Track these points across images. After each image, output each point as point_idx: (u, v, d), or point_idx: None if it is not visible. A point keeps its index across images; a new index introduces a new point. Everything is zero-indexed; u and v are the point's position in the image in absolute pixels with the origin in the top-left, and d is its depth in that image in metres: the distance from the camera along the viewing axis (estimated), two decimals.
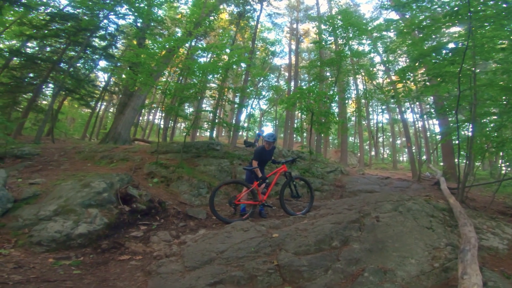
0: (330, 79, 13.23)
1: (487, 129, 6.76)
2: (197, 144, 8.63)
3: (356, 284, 2.51)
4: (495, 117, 6.71)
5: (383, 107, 26.91)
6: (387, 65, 15.98)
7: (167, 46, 7.63)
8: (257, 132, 13.40)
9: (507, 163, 7.49)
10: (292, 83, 24.53)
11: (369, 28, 11.33)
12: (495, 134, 6.34)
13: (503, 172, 9.20)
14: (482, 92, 5.86)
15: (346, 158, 18.00)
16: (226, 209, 5.44)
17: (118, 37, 14.32)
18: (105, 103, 25.03)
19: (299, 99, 9.47)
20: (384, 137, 35.55)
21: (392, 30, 6.96)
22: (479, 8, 4.94)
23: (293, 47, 26.27)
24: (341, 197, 7.17)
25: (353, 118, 25.59)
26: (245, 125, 26.38)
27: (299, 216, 4.55)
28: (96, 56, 13.78)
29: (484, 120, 6.91)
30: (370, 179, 9.22)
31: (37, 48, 14.17)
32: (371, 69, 16.65)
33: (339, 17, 10.68)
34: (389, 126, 30.99)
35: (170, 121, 19.06)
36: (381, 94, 17.16)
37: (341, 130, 15.85)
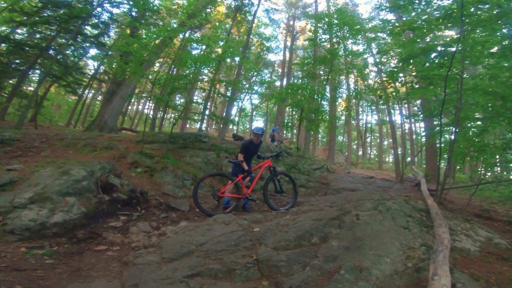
0: (322, 77, 13.27)
1: (470, 133, 6.91)
2: (185, 135, 8.53)
3: (332, 281, 2.54)
4: (479, 122, 6.86)
5: (373, 107, 27.28)
6: (379, 66, 16.15)
7: (161, 37, 7.48)
8: (273, 127, 13.34)
9: (487, 168, 7.72)
10: (285, 80, 24.52)
11: (365, 28, 11.40)
12: (477, 140, 6.50)
13: (483, 176, 9.54)
14: (467, 97, 5.96)
15: (333, 156, 18.21)
16: (210, 202, 5.41)
17: (112, 25, 13.98)
18: (93, 91, 24.44)
19: (289, 95, 9.47)
20: (372, 137, 36.12)
21: (387, 31, 6.97)
22: (471, 10, 4.93)
23: (288, 43, 26.20)
24: (326, 194, 7.25)
25: (342, 117, 25.86)
26: (236, 119, 26.24)
27: (282, 211, 4.59)
28: (87, 44, 13.46)
29: (469, 124, 7.05)
30: (355, 178, 9.37)
31: (26, 35, 13.71)
32: (363, 69, 16.79)
33: (335, 16, 10.69)
34: (378, 127, 31.48)
35: (160, 111, 18.79)
36: (370, 94, 17.36)
37: (330, 129, 15.99)
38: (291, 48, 25.55)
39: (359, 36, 11.49)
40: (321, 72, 13.79)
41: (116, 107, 11.40)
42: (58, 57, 11.44)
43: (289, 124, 13.79)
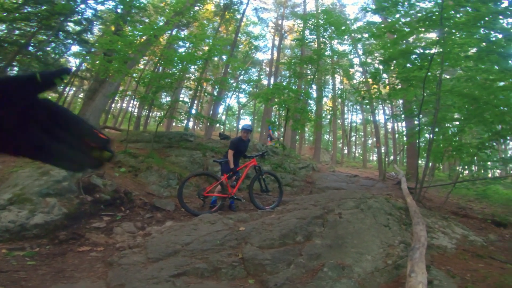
0: (309, 76, 13.44)
1: (449, 133, 7.17)
2: (170, 134, 8.45)
3: (316, 278, 2.59)
4: (457, 122, 7.13)
5: (357, 107, 27.85)
6: (364, 66, 16.49)
7: (146, 35, 7.36)
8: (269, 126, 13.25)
9: (463, 167, 8.07)
10: (272, 79, 24.64)
11: (351, 29, 11.61)
12: (457, 138, 6.75)
13: (460, 175, 9.94)
14: (446, 98, 6.18)
15: (319, 155, 18.47)
16: (196, 201, 5.40)
17: (95, 22, 13.61)
18: (74, 88, 23.67)
19: (275, 94, 9.55)
20: (357, 136, 36.88)
21: (369, 33, 7.09)
22: (451, 13, 5.04)
23: (277, 42, 26.30)
24: (311, 193, 7.38)
25: (328, 117, 26.27)
26: (223, 117, 26.14)
27: (268, 210, 4.64)
28: (69, 41, 13.02)
29: (448, 124, 7.31)
30: (339, 176, 9.57)
31: (6, 31, 13.15)
32: (349, 69, 17.11)
33: (321, 16, 10.85)
34: (362, 126, 32.17)
35: (145, 110, 18.45)
36: (355, 94, 17.73)
37: (316, 128, 16.22)
38: (279, 47, 25.67)
39: (345, 37, 11.74)
40: (308, 72, 13.97)
41: (99, 105, 11.09)
42: (38, 54, 11.05)
43: (276, 123, 13.87)
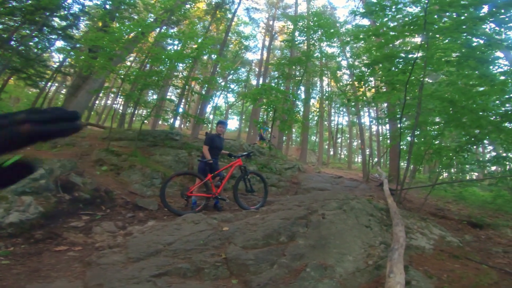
0: (297, 78, 13.56)
1: (430, 136, 7.39)
2: (155, 132, 8.31)
3: (299, 279, 2.59)
4: (437, 126, 7.35)
5: (344, 109, 28.31)
6: (352, 69, 16.76)
7: (134, 32, 7.22)
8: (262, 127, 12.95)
9: (442, 169, 8.34)
10: (261, 79, 24.67)
11: (339, 31, 11.78)
12: (437, 142, 6.96)
13: (441, 177, 10.28)
14: (427, 102, 6.36)
15: (305, 156, 18.63)
16: (181, 201, 5.33)
17: (82, 18, 13.26)
18: (56, 84, 22.91)
19: (263, 95, 9.58)
20: (343, 138, 37.50)
21: (353, 36, 7.19)
22: (435, 17, 5.15)
23: (267, 43, 26.38)
24: (296, 193, 7.43)
25: (316, 118, 26.59)
26: (211, 117, 25.94)
27: (252, 210, 4.64)
28: (53, 36, 12.63)
29: (428, 128, 7.52)
30: (324, 177, 9.69)
31: None
32: (337, 72, 17.37)
33: (311, 18, 10.98)
34: (348, 128, 32.74)
35: (130, 107, 18.07)
36: (341, 97, 18.02)
37: (303, 129, 16.37)
38: (269, 48, 25.75)
39: (334, 39, 11.92)
40: (297, 73, 14.09)
41: (82, 102, 10.78)
42: (20, 48, 10.68)
43: (265, 121, 13.90)
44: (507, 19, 4.73)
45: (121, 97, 17.46)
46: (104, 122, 23.78)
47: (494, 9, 4.68)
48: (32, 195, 3.61)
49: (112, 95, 26.62)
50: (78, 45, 14.30)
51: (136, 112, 23.19)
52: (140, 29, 6.96)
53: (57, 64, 19.37)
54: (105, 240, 3.41)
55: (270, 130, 11.45)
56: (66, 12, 11.57)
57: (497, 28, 5.28)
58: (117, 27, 7.92)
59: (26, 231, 3.25)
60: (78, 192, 4.09)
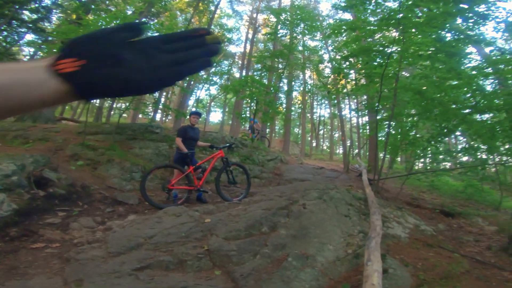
0: (279, 70, 13.58)
1: (405, 127, 7.67)
2: (134, 126, 8.08)
3: (281, 268, 2.64)
4: (412, 118, 7.64)
5: (326, 101, 28.74)
6: (333, 62, 16.98)
7: (111, 24, 6.91)
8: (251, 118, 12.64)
9: (416, 159, 8.69)
10: (244, 72, 24.48)
11: (321, 25, 11.83)
12: (412, 133, 7.23)
13: (416, 167, 10.71)
14: (403, 95, 6.58)
15: (288, 148, 18.85)
16: (162, 194, 5.27)
17: (55, 10, 12.53)
18: None
19: (244, 87, 9.54)
20: (325, 130, 38.17)
21: (342, 29, 7.25)
22: (409, 12, 5.28)
23: (250, 36, 26.09)
24: (278, 184, 7.53)
25: (298, 110, 26.83)
26: (193, 109, 25.47)
27: (235, 202, 4.66)
28: (23, 30, 11.90)
29: (405, 119, 7.80)
30: (306, 168, 9.87)
31: None
32: (319, 65, 17.53)
33: (294, 11, 10.96)
34: (330, 120, 33.31)
35: (107, 101, 17.41)
36: (323, 89, 18.28)
37: (285, 121, 16.50)
38: (252, 40, 25.50)
39: (317, 33, 11.98)
40: (280, 66, 14.10)
41: None
42: None
43: (246, 115, 13.88)
44: (471, 14, 4.94)
45: None
46: (79, 116, 22.80)
47: (460, 5, 4.88)
48: (4, 192, 3.45)
49: None
50: (50, 38, 13.62)
51: (114, 106, 22.42)
52: (117, 22, 6.69)
53: (27, 58, 18.32)
54: (83, 236, 3.34)
55: (258, 123, 11.46)
56: (37, 5, 10.96)
57: (468, 24, 5.52)
58: (91, 19, 7.57)
59: (0, 229, 3.12)
60: (52, 188, 3.94)
